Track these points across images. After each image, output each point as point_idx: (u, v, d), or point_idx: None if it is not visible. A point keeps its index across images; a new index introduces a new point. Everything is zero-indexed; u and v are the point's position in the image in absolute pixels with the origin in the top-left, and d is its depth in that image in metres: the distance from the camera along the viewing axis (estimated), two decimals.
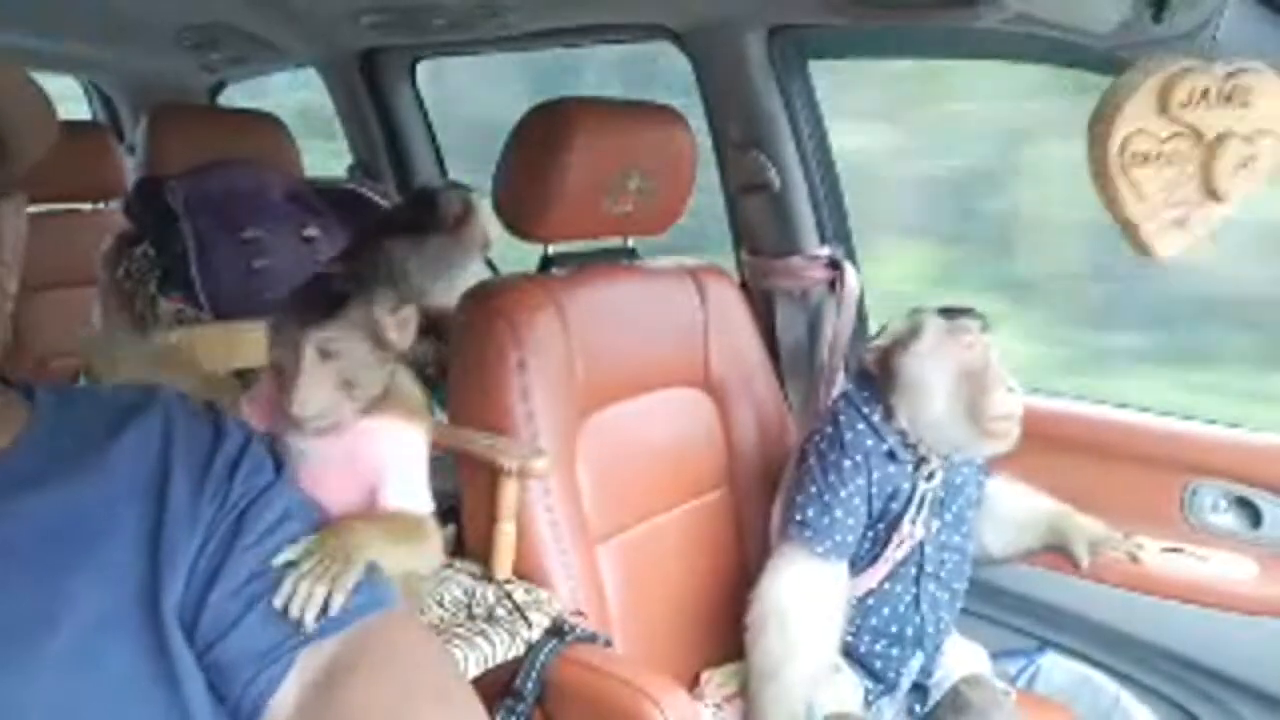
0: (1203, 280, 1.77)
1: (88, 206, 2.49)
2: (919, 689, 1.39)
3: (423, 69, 2.41)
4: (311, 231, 2.07)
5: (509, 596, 1.23)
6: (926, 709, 1.39)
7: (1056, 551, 1.45)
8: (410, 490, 0.91)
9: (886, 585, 1.33)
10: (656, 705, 1.10)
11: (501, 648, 1.15)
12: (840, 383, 1.72)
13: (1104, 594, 1.47)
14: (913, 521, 1.31)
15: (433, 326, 1.47)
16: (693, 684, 1.41)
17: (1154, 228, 0.98)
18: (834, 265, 1.78)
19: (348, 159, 2.54)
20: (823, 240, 1.80)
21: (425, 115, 2.46)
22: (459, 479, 1.33)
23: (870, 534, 1.33)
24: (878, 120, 2.00)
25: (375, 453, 0.90)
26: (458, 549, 1.34)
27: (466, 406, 1.35)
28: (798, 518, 1.31)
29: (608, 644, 1.24)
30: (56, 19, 2.06)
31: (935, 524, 1.34)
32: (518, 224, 1.41)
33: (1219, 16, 1.02)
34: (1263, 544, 1.46)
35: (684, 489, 1.49)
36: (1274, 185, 1.02)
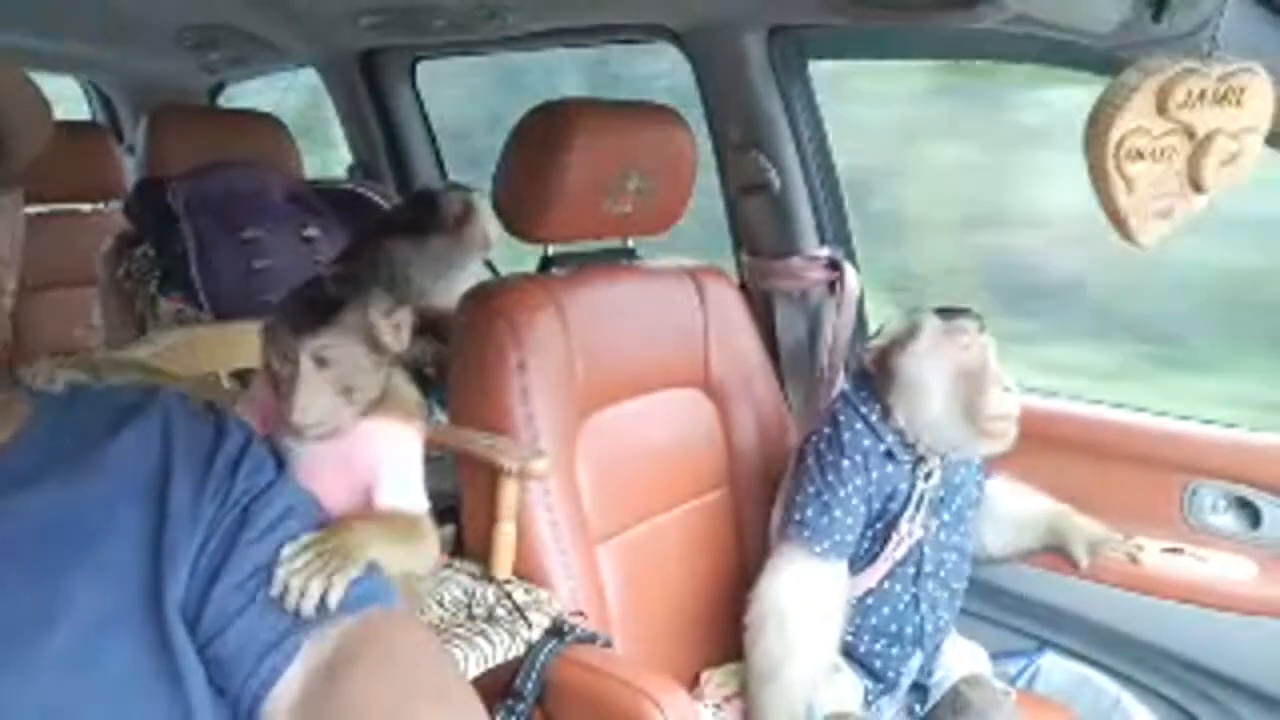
0: (1045, 268, 2.00)
1: (88, 207, 2.49)
2: (919, 688, 1.39)
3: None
4: (311, 232, 2.08)
5: (509, 596, 1.23)
6: (926, 709, 1.39)
7: (1056, 552, 1.46)
8: (405, 490, 0.91)
9: (885, 585, 1.34)
10: (656, 705, 1.10)
11: (501, 648, 1.15)
12: (840, 383, 1.73)
13: (1104, 594, 1.47)
14: (911, 521, 1.31)
15: (432, 327, 1.48)
16: (693, 684, 1.41)
17: (1140, 219, 1.01)
18: (834, 266, 1.78)
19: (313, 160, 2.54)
20: (822, 241, 1.80)
21: (425, 116, 2.47)
22: (459, 479, 1.33)
23: (869, 533, 1.33)
24: None
25: (371, 453, 0.90)
26: (458, 549, 1.34)
27: (466, 407, 1.35)
28: (796, 517, 1.31)
29: (608, 644, 1.24)
30: (56, 19, 2.06)
31: (934, 523, 1.34)
32: (517, 224, 1.41)
33: (1219, 16, 1.02)
34: (1262, 544, 1.46)
35: (684, 489, 1.50)
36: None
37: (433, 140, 2.48)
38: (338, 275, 0.98)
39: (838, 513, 1.29)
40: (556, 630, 1.21)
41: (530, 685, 1.17)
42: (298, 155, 2.29)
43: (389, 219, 1.99)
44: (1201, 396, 1.73)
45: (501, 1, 1.69)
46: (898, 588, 1.34)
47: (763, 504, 1.48)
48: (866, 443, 1.31)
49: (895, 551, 1.32)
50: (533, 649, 1.18)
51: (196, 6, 2.00)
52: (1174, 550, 1.47)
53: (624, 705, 1.12)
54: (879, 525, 1.33)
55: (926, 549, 1.34)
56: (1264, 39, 1.11)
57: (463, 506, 1.34)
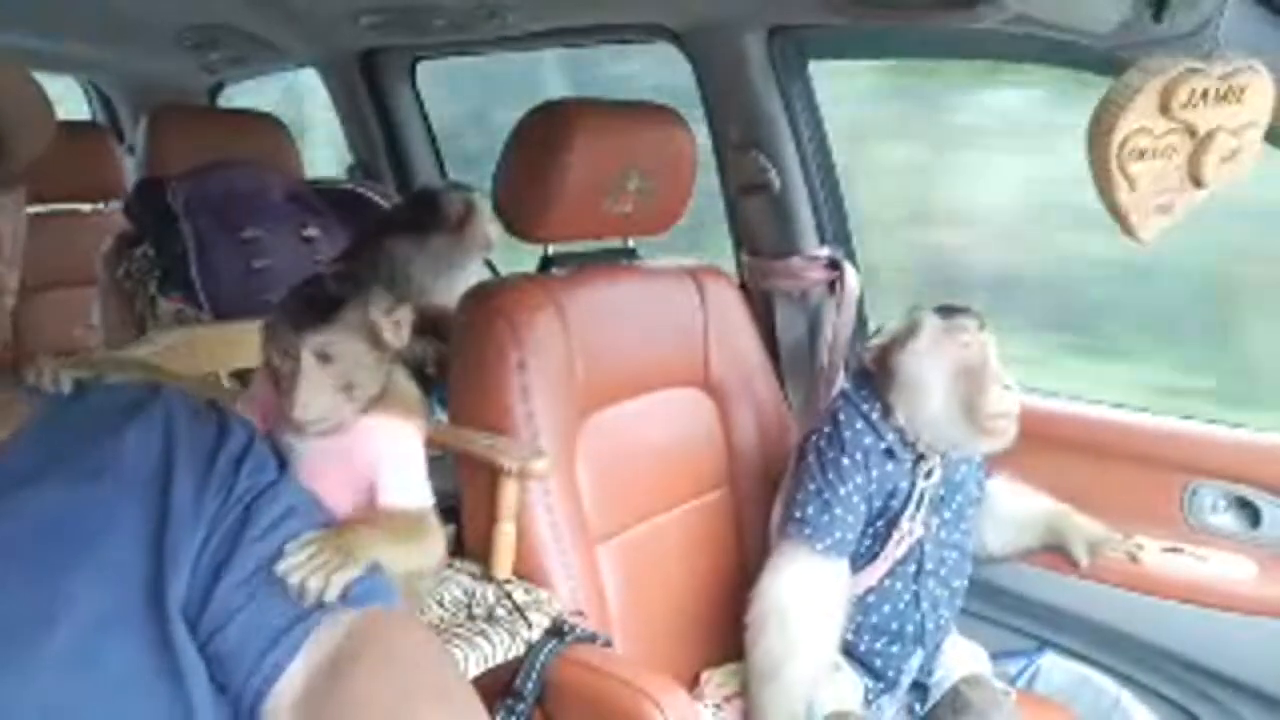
0: (974, 264, 2.17)
1: (88, 207, 2.48)
2: (919, 688, 1.39)
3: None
4: (311, 231, 2.08)
5: (509, 596, 1.23)
6: (926, 708, 1.39)
7: (1055, 551, 1.46)
8: (409, 486, 0.91)
9: (886, 583, 1.34)
10: (656, 705, 1.10)
11: (501, 648, 1.15)
12: (840, 382, 1.73)
13: (1104, 594, 1.47)
14: (912, 519, 1.31)
15: (433, 326, 1.48)
16: (693, 684, 1.41)
17: (1141, 215, 1.02)
18: (833, 266, 1.78)
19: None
20: (822, 241, 1.80)
21: (425, 116, 2.47)
22: (459, 479, 1.33)
23: (870, 532, 1.33)
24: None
25: (373, 450, 0.90)
26: (458, 549, 1.34)
27: (466, 406, 1.35)
28: (797, 515, 1.31)
29: (607, 644, 1.24)
30: (56, 19, 2.06)
31: (934, 521, 1.34)
32: (518, 224, 1.41)
33: (1219, 16, 1.03)
34: (1262, 544, 1.46)
35: (684, 489, 1.50)
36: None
37: (433, 140, 2.48)
38: (339, 273, 0.98)
39: (838, 510, 1.29)
40: (556, 630, 1.21)
41: (530, 685, 1.17)
42: (298, 155, 2.29)
43: (390, 218, 1.99)
44: (1108, 382, 1.83)
45: (501, 1, 1.69)
46: (898, 586, 1.34)
47: (763, 504, 1.48)
48: (867, 441, 1.31)
49: (896, 550, 1.32)
50: (533, 649, 1.18)
51: (196, 6, 2.00)
52: (1174, 550, 1.47)
53: (624, 705, 1.12)
54: (880, 523, 1.33)
55: (927, 547, 1.34)
56: (1264, 38, 1.11)
57: (463, 506, 1.34)
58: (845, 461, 1.30)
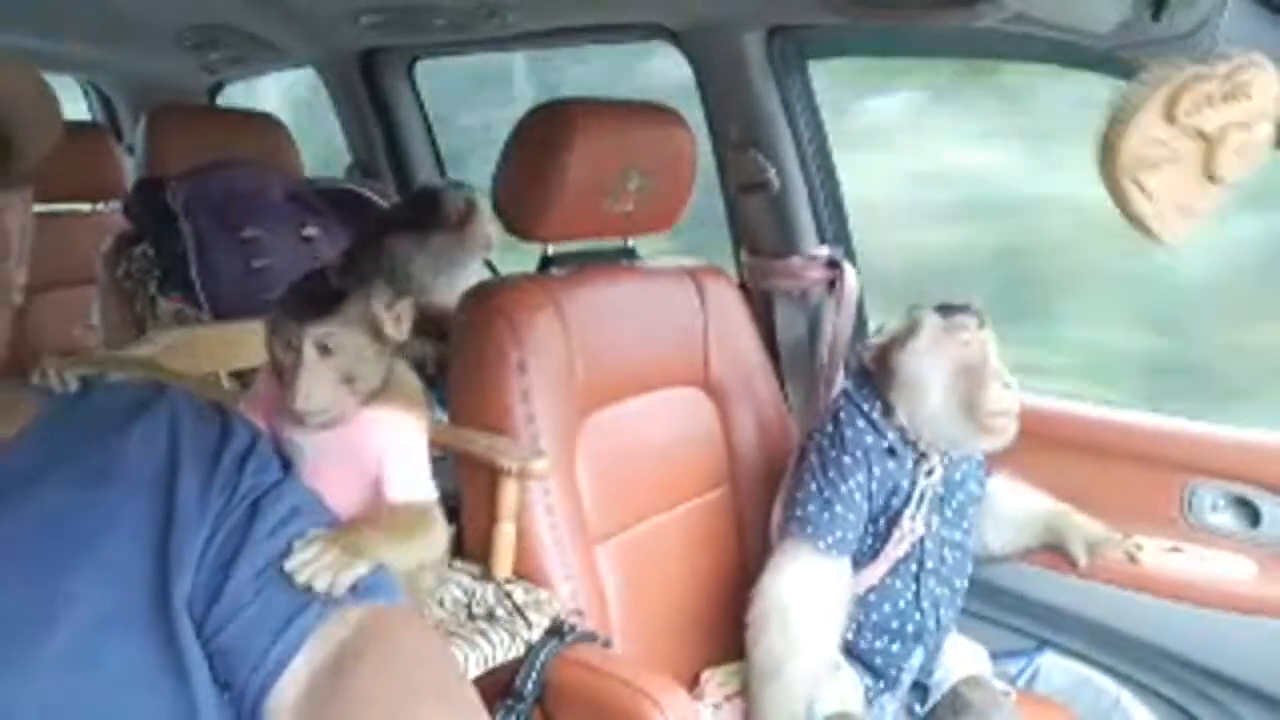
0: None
1: (87, 207, 2.48)
2: (919, 687, 1.39)
3: None
4: (311, 231, 2.08)
5: (509, 597, 1.23)
6: (926, 708, 1.39)
7: (1055, 551, 1.46)
8: (414, 480, 0.92)
9: (887, 581, 1.34)
10: (656, 705, 1.10)
11: (501, 648, 1.15)
12: (840, 382, 1.73)
13: (1103, 594, 1.47)
14: (913, 518, 1.31)
15: (433, 326, 1.48)
16: (693, 684, 1.41)
17: (1162, 222, 1.02)
18: (833, 265, 1.78)
19: None
20: (822, 240, 1.80)
21: (425, 115, 2.47)
22: (459, 479, 1.33)
23: (871, 530, 1.33)
24: None
25: (376, 443, 0.90)
26: (458, 549, 1.34)
27: (466, 407, 1.35)
28: (799, 514, 1.31)
29: (607, 644, 1.24)
30: (56, 19, 2.06)
31: (935, 520, 1.34)
32: (518, 224, 1.41)
33: (1218, 16, 1.03)
34: (1262, 544, 1.46)
35: (684, 489, 1.50)
36: None
37: (432, 140, 2.48)
38: (341, 267, 0.99)
39: (840, 509, 1.29)
40: (556, 630, 1.21)
41: (530, 685, 1.17)
42: (298, 155, 2.29)
43: (391, 216, 1.99)
44: None
45: (501, 1, 1.69)
46: (899, 584, 1.34)
47: (763, 503, 1.48)
48: (868, 439, 1.31)
49: (897, 548, 1.32)
50: (533, 649, 1.18)
51: (196, 6, 2.00)
52: (1174, 550, 1.47)
53: (624, 705, 1.12)
54: (881, 522, 1.33)
55: (928, 545, 1.34)
56: (1264, 38, 1.10)
57: (463, 506, 1.34)
58: (846, 460, 1.30)
